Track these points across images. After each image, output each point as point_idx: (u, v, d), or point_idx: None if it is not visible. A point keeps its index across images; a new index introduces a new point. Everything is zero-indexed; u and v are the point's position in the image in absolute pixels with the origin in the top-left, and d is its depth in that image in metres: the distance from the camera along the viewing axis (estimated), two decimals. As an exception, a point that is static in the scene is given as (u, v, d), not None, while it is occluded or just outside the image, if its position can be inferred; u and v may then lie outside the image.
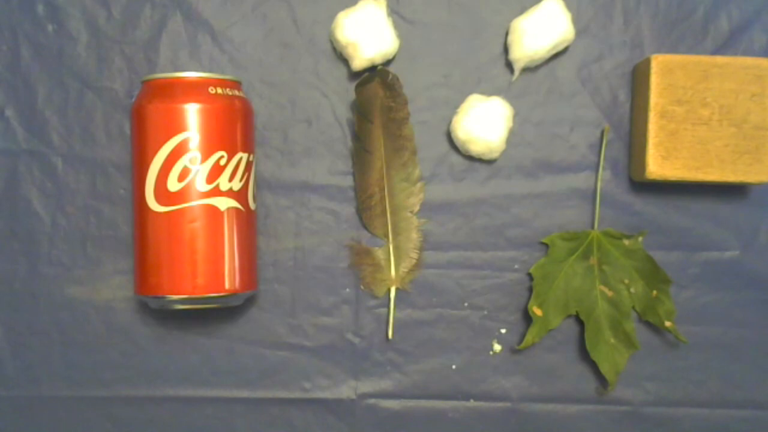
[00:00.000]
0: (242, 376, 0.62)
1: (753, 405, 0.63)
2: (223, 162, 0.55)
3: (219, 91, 0.56)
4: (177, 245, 0.55)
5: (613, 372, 0.61)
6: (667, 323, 0.61)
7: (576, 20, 0.62)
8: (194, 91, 0.55)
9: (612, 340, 0.61)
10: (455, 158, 0.62)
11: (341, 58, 0.62)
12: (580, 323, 0.62)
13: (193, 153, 0.55)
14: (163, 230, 0.55)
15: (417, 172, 0.62)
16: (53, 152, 0.61)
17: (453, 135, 0.61)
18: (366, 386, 0.62)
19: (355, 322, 0.62)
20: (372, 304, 0.62)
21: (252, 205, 0.58)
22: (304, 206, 0.62)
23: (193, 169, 0.55)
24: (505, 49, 0.62)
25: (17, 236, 0.61)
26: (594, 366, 0.62)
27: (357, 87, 0.60)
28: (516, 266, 0.62)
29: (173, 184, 0.55)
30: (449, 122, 0.62)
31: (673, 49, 0.62)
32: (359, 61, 0.60)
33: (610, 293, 0.61)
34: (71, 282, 0.61)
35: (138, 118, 0.56)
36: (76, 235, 0.61)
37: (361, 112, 0.61)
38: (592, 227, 0.62)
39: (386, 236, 0.62)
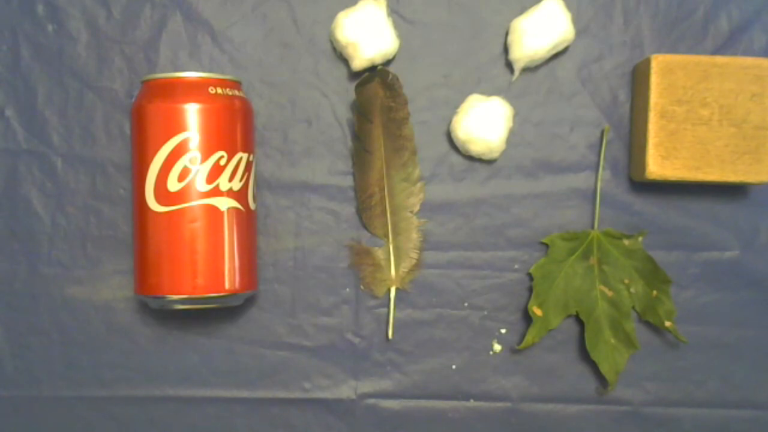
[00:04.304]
0: (242, 376, 0.62)
1: (753, 405, 0.63)
2: (223, 162, 0.55)
3: (219, 91, 0.56)
4: (177, 245, 0.55)
5: (613, 372, 0.61)
6: (667, 323, 0.61)
7: (576, 20, 0.62)
8: (194, 91, 0.55)
9: (612, 340, 0.61)
10: (455, 158, 0.62)
11: (341, 58, 0.62)
12: (580, 323, 0.62)
13: (193, 153, 0.55)
14: (163, 230, 0.55)
15: (417, 172, 0.62)
16: (53, 152, 0.61)
17: (453, 135, 0.61)
18: (366, 386, 0.62)
19: (355, 322, 0.62)
20: (372, 304, 0.62)
21: (252, 205, 0.58)
22: (304, 206, 0.62)
23: (193, 169, 0.55)
24: (505, 49, 0.62)
25: (17, 236, 0.61)
26: (594, 366, 0.62)
27: (357, 87, 0.60)
28: (516, 266, 0.62)
29: (173, 184, 0.55)
30: (449, 122, 0.62)
31: (673, 49, 0.62)
32: (359, 61, 0.60)
33: (610, 293, 0.61)
34: (71, 282, 0.61)
35: (138, 118, 0.56)
36: (76, 235, 0.61)
37: (361, 112, 0.61)
38: (592, 227, 0.62)
39: (386, 236, 0.62)
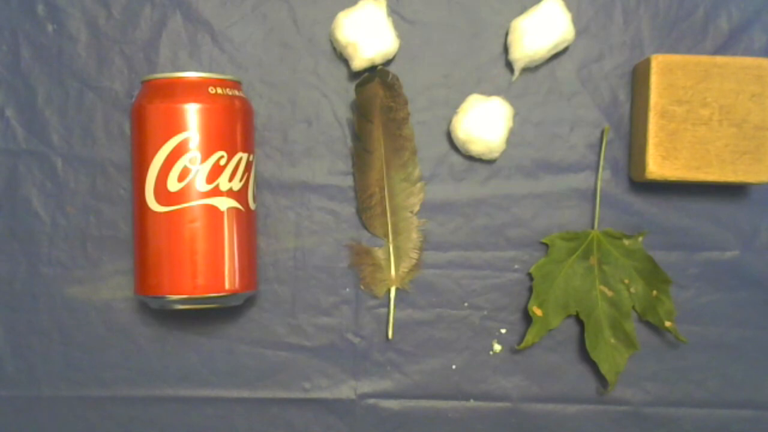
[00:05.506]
0: (242, 376, 0.62)
1: (753, 405, 0.63)
2: (223, 162, 0.55)
3: (219, 91, 0.56)
4: (177, 245, 0.55)
5: (613, 372, 0.61)
6: (667, 323, 0.61)
7: (576, 20, 0.62)
8: (194, 91, 0.55)
9: (612, 340, 0.61)
10: (455, 158, 0.62)
11: (341, 58, 0.62)
12: (580, 323, 0.62)
13: (193, 153, 0.55)
14: (163, 230, 0.55)
15: (417, 172, 0.62)
16: (53, 152, 0.61)
17: (453, 135, 0.61)
18: (366, 386, 0.62)
19: (355, 322, 0.62)
20: (372, 304, 0.62)
21: (252, 205, 0.58)
22: (304, 206, 0.62)
23: (193, 169, 0.55)
24: (505, 49, 0.62)
25: (17, 236, 0.61)
26: (594, 366, 0.62)
27: (357, 87, 0.60)
28: (516, 266, 0.62)
29: (173, 184, 0.55)
30: (449, 122, 0.62)
31: (673, 49, 0.62)
32: (359, 61, 0.60)
33: (610, 293, 0.61)
34: (71, 282, 0.61)
35: (138, 118, 0.56)
36: (76, 235, 0.61)
37: (361, 112, 0.61)
38: (592, 227, 0.62)
39: (386, 236, 0.62)
